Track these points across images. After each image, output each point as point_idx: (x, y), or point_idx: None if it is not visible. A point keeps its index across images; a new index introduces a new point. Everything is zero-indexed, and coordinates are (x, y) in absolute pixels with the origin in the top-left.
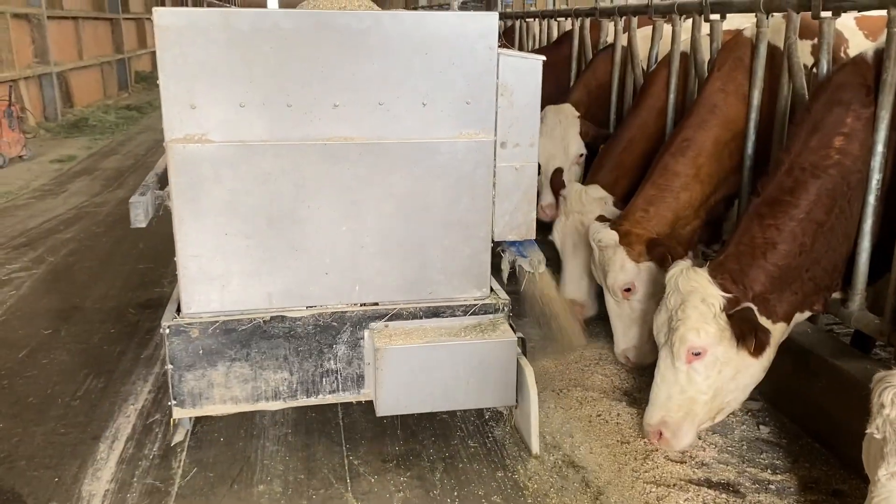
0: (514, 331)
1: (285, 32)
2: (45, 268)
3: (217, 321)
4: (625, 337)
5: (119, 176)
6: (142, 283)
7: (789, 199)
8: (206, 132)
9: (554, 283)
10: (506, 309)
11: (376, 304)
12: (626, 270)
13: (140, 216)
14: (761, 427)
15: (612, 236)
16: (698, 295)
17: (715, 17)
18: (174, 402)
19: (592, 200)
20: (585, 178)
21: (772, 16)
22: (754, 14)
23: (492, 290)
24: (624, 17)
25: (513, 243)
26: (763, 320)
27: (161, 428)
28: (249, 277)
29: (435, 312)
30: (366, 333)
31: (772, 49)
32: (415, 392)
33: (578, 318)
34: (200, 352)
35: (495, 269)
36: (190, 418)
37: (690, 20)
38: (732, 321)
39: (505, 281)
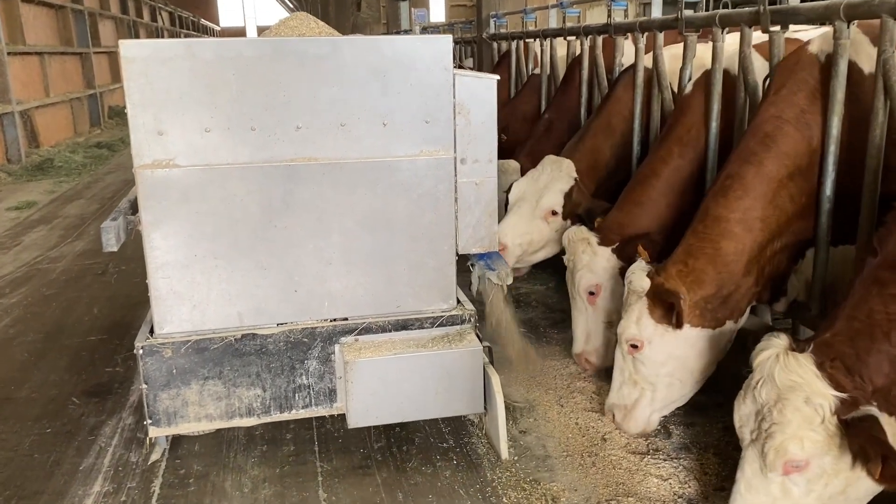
0: (481, 340)
1: (247, 60)
2: None
3: (189, 341)
4: (618, 393)
5: (80, 224)
6: (91, 361)
7: None
8: (174, 157)
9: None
10: (472, 319)
11: (346, 319)
12: (640, 326)
13: (112, 240)
14: None
15: (641, 284)
16: (801, 393)
17: (775, 28)
18: (150, 421)
19: (576, 241)
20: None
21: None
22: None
23: (458, 301)
24: (646, 34)
25: (481, 258)
26: (885, 419)
27: None
28: (219, 297)
29: (403, 325)
30: (336, 348)
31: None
32: (385, 403)
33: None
34: (174, 371)
35: (463, 282)
36: (167, 437)
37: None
38: (851, 434)
39: (475, 294)
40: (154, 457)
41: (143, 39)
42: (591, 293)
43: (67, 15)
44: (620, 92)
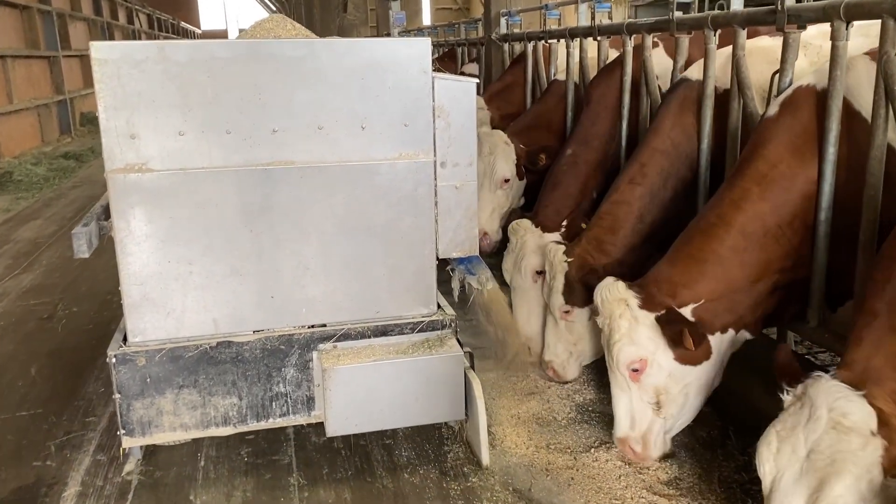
0: (462, 346)
1: (221, 62)
2: None
3: (163, 349)
4: None
5: (33, 250)
6: (16, 450)
7: None
8: (146, 161)
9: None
10: (453, 324)
11: (324, 325)
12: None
13: (83, 247)
14: None
15: (864, 415)
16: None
17: None
18: (123, 431)
19: (612, 302)
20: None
21: None
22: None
23: (439, 306)
24: (719, 31)
25: (461, 262)
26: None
27: None
28: (194, 304)
29: (383, 331)
30: (314, 355)
31: None
32: (364, 411)
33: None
34: (148, 380)
35: (445, 288)
36: (140, 447)
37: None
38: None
39: (456, 300)
40: (128, 468)
41: (114, 41)
42: (635, 370)
43: (34, 16)
44: (671, 118)
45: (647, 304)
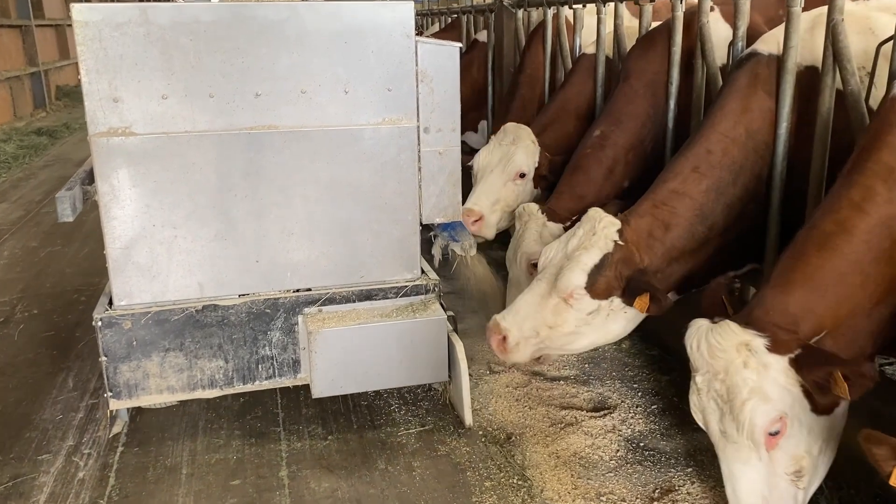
0: (445, 309)
1: (204, 25)
2: None
3: (149, 312)
4: None
5: None
6: None
7: None
8: (130, 125)
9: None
10: (436, 289)
11: (309, 289)
12: None
13: (67, 210)
14: None
15: None
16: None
17: None
18: (110, 393)
19: (728, 349)
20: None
21: None
22: None
23: (422, 271)
24: None
25: (445, 228)
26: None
27: None
28: (180, 267)
29: (367, 295)
30: (300, 318)
31: None
32: (349, 373)
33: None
34: (134, 343)
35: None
36: (128, 409)
37: None
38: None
39: (437, 266)
40: (116, 430)
41: (95, 3)
42: (774, 433)
43: None
44: (742, 99)
45: (776, 346)
